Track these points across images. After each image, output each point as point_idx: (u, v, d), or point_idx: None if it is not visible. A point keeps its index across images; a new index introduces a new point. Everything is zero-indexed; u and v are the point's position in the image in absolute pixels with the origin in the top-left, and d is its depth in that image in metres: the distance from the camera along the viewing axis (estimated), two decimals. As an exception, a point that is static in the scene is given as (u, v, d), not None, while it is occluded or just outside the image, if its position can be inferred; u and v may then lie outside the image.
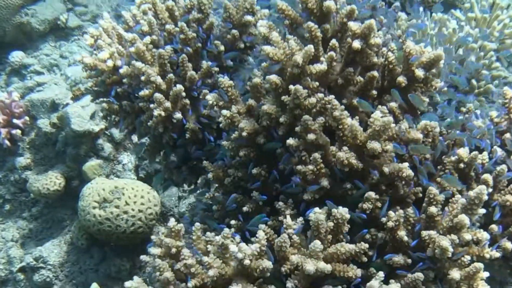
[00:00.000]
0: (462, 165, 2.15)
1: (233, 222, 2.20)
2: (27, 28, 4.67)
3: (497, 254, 2.03)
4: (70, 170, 4.02)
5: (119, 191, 3.67)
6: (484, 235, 1.98)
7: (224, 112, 2.17)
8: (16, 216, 4.18)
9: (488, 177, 2.12)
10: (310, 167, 2.01)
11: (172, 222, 2.02)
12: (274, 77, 2.06)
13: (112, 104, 2.63)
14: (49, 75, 4.59)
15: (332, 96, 2.08)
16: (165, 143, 2.55)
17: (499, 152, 2.25)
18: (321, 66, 2.07)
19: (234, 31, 2.57)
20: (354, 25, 2.13)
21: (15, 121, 4.07)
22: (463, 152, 2.14)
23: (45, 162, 4.13)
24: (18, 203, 4.21)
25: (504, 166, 2.14)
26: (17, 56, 4.65)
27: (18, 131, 4.10)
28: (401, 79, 2.18)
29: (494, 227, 2.16)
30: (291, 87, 2.00)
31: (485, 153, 2.21)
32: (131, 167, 4.04)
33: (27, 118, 4.12)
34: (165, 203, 4.01)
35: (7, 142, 4.09)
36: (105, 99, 2.66)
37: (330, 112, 2.03)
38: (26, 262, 3.87)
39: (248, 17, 2.57)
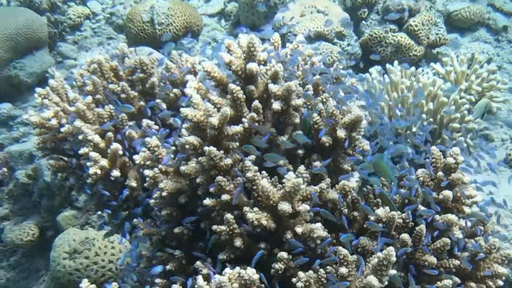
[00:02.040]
0: (381, 224, 2.16)
1: (158, 280, 2.23)
2: (15, 81, 4.80)
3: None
4: (45, 220, 4.09)
5: (90, 241, 3.71)
6: (397, 296, 1.99)
7: (147, 172, 2.22)
8: (-5, 265, 4.26)
9: (406, 237, 2.13)
10: (223, 227, 2.04)
11: (84, 283, 2.06)
12: (191, 139, 2.10)
13: (59, 161, 2.69)
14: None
15: (252, 157, 2.13)
16: (106, 201, 2.60)
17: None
18: (238, 128, 2.11)
19: (176, 90, 2.64)
20: (274, 88, 2.18)
21: (-6, 173, 4.20)
22: (381, 211, 2.15)
23: (23, 212, 4.21)
24: (-3, 252, 4.29)
25: (422, 226, 2.14)
26: (5, 108, 4.78)
27: (-3, 182, 4.22)
28: (325, 139, 2.22)
29: None
30: (206, 148, 2.04)
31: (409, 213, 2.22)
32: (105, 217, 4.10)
33: (5, 169, 4.23)
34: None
35: (-14, 192, 4.21)
36: (52, 156, 2.73)
37: (244, 173, 2.06)
38: (0, 312, 3.93)
39: (190, 76, 2.63)
